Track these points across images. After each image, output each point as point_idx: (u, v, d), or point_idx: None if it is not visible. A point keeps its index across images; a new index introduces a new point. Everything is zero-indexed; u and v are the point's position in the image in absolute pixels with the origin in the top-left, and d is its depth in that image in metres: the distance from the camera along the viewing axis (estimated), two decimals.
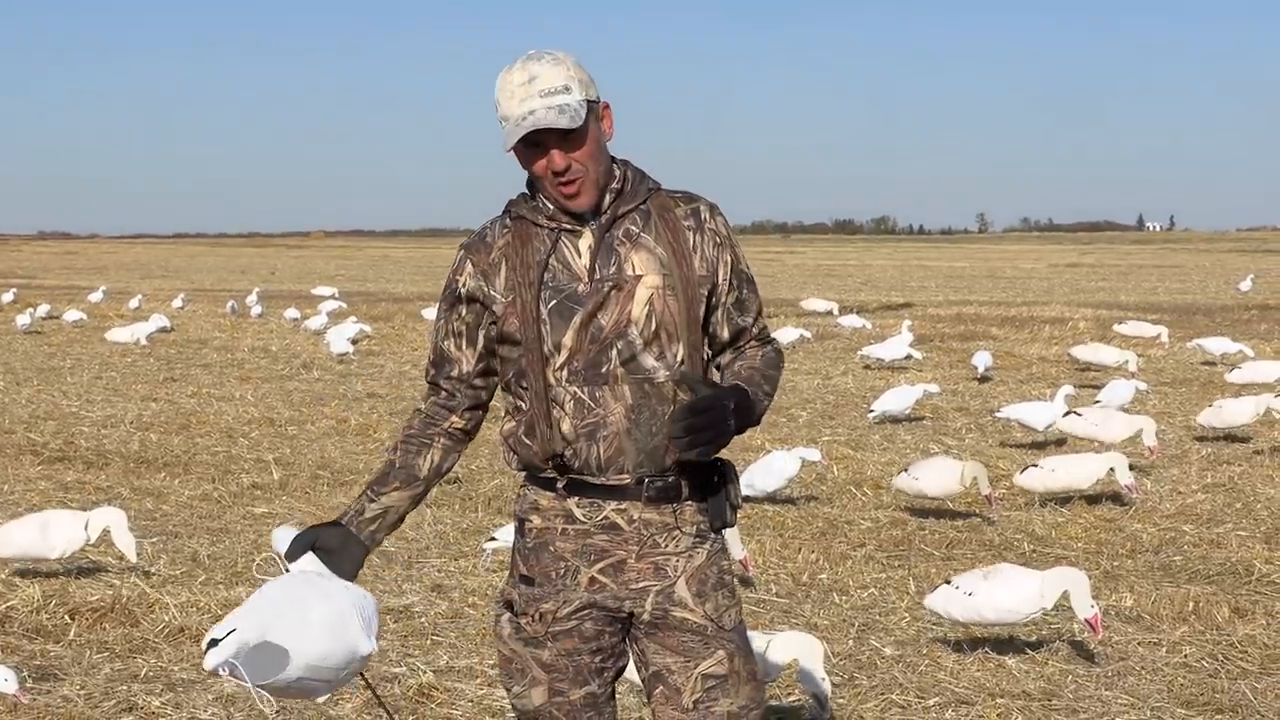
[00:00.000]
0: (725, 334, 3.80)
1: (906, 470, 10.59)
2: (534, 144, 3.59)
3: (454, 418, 3.79)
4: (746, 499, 10.79)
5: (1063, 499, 10.94)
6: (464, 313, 3.74)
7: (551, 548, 3.69)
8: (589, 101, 3.61)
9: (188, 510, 10.82)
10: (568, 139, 3.58)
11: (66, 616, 7.66)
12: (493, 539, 8.85)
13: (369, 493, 3.75)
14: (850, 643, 7.47)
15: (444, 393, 3.79)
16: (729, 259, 3.75)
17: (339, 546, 3.67)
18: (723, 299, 3.76)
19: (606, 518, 3.68)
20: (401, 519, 3.79)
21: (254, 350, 24.10)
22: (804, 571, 8.94)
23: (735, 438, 3.66)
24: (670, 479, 3.68)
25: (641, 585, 3.68)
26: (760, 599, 8.32)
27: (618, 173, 3.71)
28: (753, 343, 3.83)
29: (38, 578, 8.41)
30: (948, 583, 7.38)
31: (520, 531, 3.77)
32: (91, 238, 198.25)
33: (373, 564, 9.09)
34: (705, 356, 3.75)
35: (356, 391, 18.43)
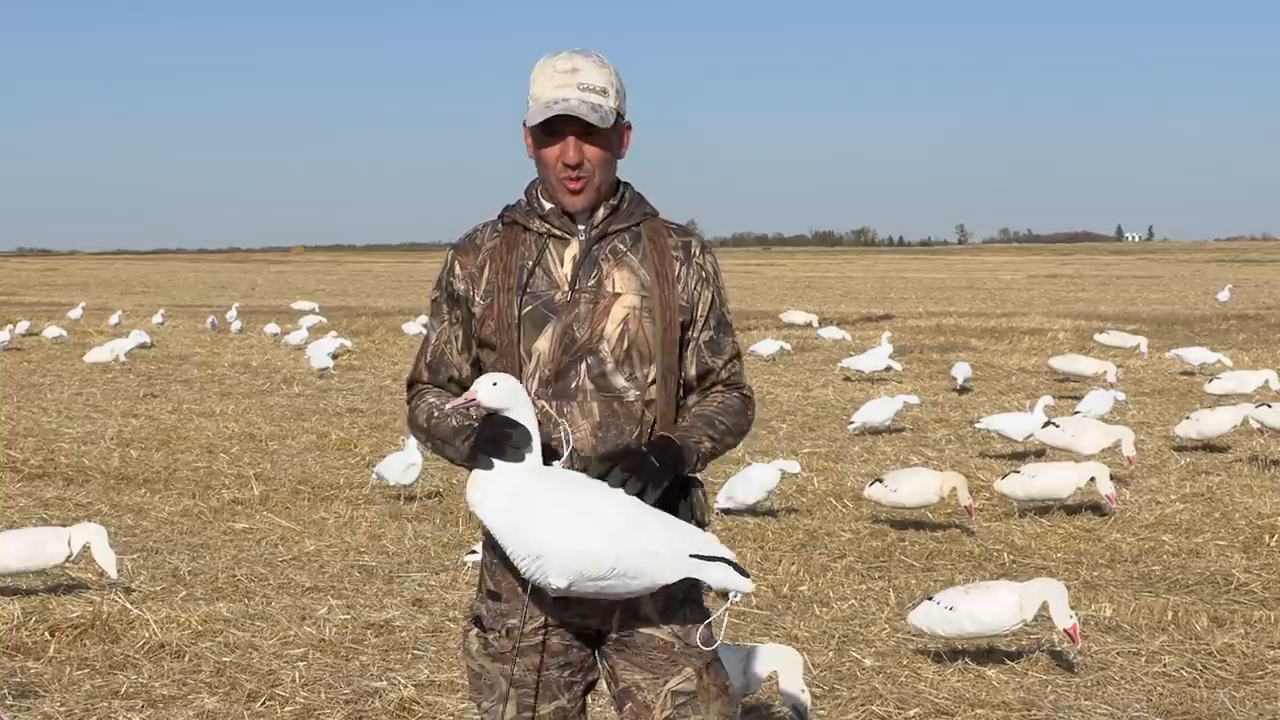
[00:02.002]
0: (693, 371, 3.79)
1: (881, 481, 10.56)
2: (553, 133, 3.63)
3: None
4: (727, 511, 10.81)
5: (1042, 509, 10.97)
6: (458, 314, 3.77)
7: None
8: (618, 112, 3.68)
9: (168, 526, 10.79)
10: (588, 137, 3.64)
11: (46, 633, 7.63)
12: (473, 552, 8.84)
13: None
14: (831, 654, 7.49)
15: (446, 392, 3.79)
16: (710, 297, 3.78)
17: None
18: (697, 335, 3.77)
19: None
20: None
21: (234, 366, 24.06)
22: (784, 583, 8.95)
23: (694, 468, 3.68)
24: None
25: (607, 602, 3.69)
26: (740, 611, 8.33)
27: (619, 190, 3.77)
28: (718, 386, 3.82)
29: (17, 595, 8.39)
30: (929, 598, 7.40)
31: (488, 546, 3.78)
32: (71, 254, 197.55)
33: (354, 578, 9.09)
34: (679, 381, 3.76)
35: (337, 406, 18.41)
